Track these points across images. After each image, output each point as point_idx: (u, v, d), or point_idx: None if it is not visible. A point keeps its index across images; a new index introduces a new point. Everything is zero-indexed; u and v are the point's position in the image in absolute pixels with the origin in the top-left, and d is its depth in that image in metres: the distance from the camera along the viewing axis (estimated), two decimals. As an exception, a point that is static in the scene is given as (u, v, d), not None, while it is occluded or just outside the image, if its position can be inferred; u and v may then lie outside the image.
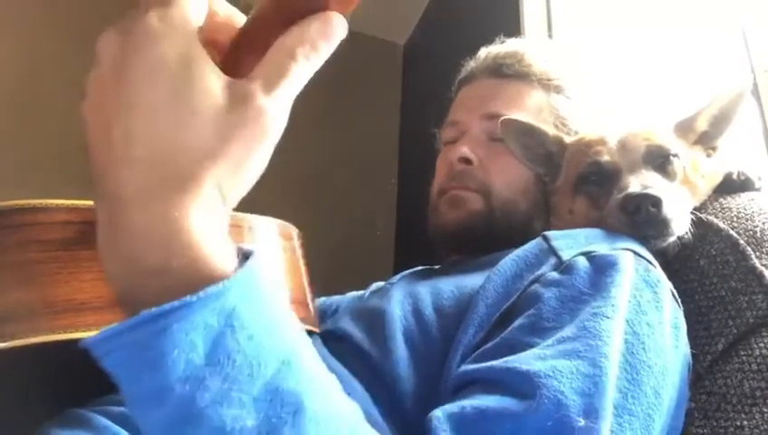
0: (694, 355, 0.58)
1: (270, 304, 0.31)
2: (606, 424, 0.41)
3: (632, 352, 0.47)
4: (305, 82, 0.32)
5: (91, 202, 0.47)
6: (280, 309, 0.32)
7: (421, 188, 0.88)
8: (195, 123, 0.29)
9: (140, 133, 0.28)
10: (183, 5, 0.29)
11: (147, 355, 0.28)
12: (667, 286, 0.56)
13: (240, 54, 0.32)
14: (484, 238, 0.76)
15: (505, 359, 0.46)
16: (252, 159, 0.30)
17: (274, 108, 0.30)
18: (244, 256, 0.31)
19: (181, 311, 0.28)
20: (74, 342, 0.43)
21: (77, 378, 0.56)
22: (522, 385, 0.42)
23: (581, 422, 0.40)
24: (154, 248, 0.28)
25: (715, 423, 0.57)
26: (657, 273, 0.56)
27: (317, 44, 0.31)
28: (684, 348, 0.55)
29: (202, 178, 0.29)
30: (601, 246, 0.57)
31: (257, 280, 0.31)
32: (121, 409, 0.56)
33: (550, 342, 0.47)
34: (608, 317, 0.48)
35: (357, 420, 0.34)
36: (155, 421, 0.29)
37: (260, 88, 0.30)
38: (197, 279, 0.28)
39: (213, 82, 0.29)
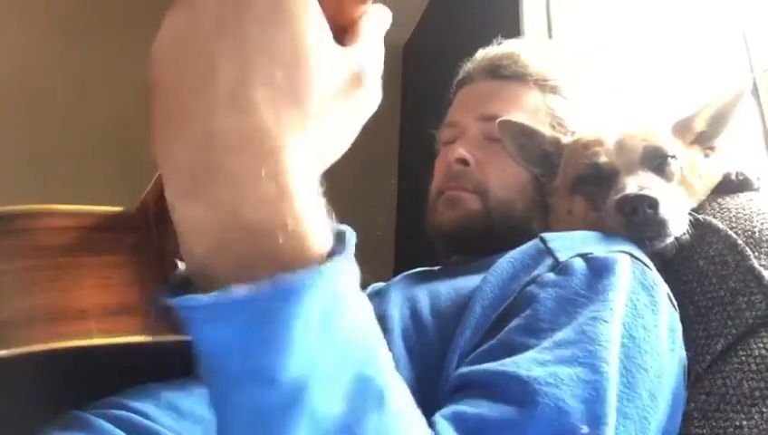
0: (693, 356, 0.58)
1: (357, 289, 0.30)
2: (609, 430, 0.41)
3: (628, 356, 0.47)
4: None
5: (92, 207, 0.47)
6: (362, 295, 0.30)
7: (421, 188, 0.89)
8: (312, 75, 0.27)
9: (257, 77, 0.26)
10: None
11: (273, 328, 0.25)
12: (663, 289, 0.56)
13: None
14: (481, 238, 0.76)
15: (503, 362, 0.46)
16: (350, 126, 0.30)
17: (375, 80, 0.31)
18: (338, 233, 0.30)
19: (313, 285, 0.26)
20: (74, 349, 0.43)
21: (78, 384, 0.56)
22: (522, 392, 0.42)
23: (584, 429, 0.40)
24: (261, 203, 0.25)
25: (714, 423, 0.57)
26: (654, 276, 0.56)
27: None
28: (680, 351, 0.55)
29: (311, 130, 0.27)
30: (598, 248, 0.57)
31: (352, 258, 0.29)
32: (121, 412, 0.56)
33: (547, 344, 0.46)
34: (606, 322, 0.47)
35: (423, 420, 0.33)
36: (258, 402, 0.26)
37: (361, 58, 0.30)
38: (306, 247, 0.26)
39: (330, 38, 0.28)
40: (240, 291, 0.25)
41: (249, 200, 0.26)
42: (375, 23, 0.32)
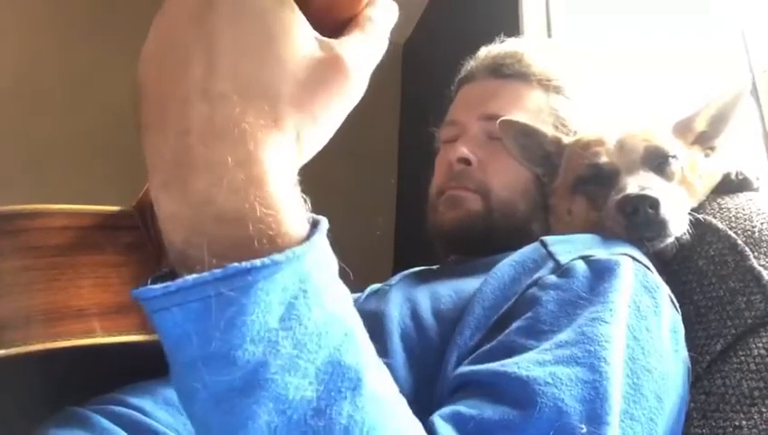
0: (692, 356, 0.58)
1: (334, 273, 0.31)
2: (612, 430, 0.40)
3: (632, 358, 0.47)
4: (380, 56, 0.33)
5: (89, 207, 0.47)
6: (338, 283, 0.31)
7: (421, 188, 0.88)
8: (282, 66, 0.28)
9: (225, 68, 0.27)
10: None
11: (226, 311, 0.26)
12: (665, 291, 0.56)
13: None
14: (482, 238, 0.76)
15: (503, 362, 0.45)
16: (331, 115, 0.30)
17: (360, 68, 0.30)
18: (312, 221, 0.30)
19: (267, 269, 0.26)
20: (73, 348, 0.43)
21: (78, 380, 0.56)
22: (521, 393, 0.42)
23: (584, 429, 0.39)
24: (230, 193, 0.26)
25: (713, 423, 0.57)
26: (656, 278, 0.56)
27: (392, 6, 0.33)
28: (683, 352, 0.55)
29: (284, 121, 0.28)
30: (599, 251, 0.57)
31: (327, 246, 0.30)
32: (119, 408, 0.56)
33: (547, 345, 0.46)
34: (606, 322, 0.47)
35: (406, 405, 0.33)
36: (219, 385, 0.27)
37: (346, 46, 0.30)
38: (275, 234, 0.27)
39: (302, 29, 0.29)
40: (191, 277, 0.26)
41: (219, 188, 0.26)
42: (377, 14, 0.32)
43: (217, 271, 0.26)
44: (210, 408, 0.27)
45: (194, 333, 0.27)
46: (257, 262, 0.26)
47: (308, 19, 0.30)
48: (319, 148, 0.31)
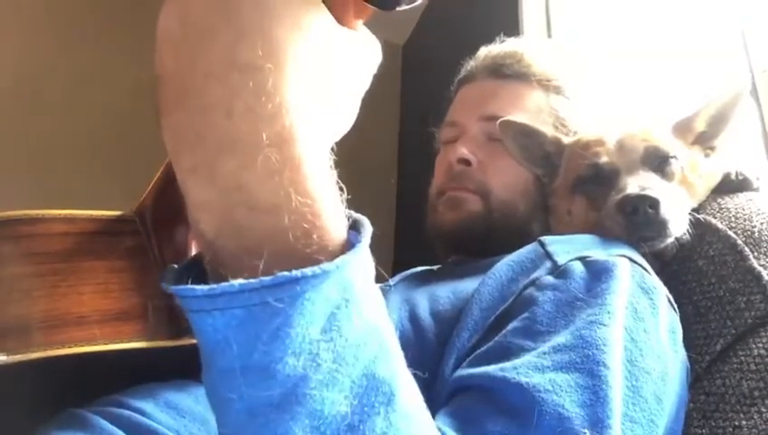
0: (692, 356, 0.58)
1: (372, 279, 0.29)
2: (614, 433, 0.40)
3: (631, 360, 0.47)
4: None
5: (90, 212, 0.47)
6: (377, 291, 0.29)
7: (421, 188, 0.88)
8: (312, 33, 0.26)
9: (254, 37, 0.24)
10: None
11: (272, 322, 0.24)
12: (662, 292, 0.56)
13: None
14: (482, 239, 0.76)
15: (503, 366, 0.45)
16: (362, 87, 0.29)
17: (375, 49, 0.30)
18: (353, 221, 0.28)
19: (317, 278, 0.24)
20: (73, 355, 0.43)
21: (78, 382, 0.56)
22: (520, 400, 0.41)
23: (587, 433, 0.39)
24: (265, 173, 0.24)
25: (713, 423, 0.57)
26: (653, 279, 0.56)
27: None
28: (681, 352, 0.55)
29: (316, 92, 0.26)
30: (597, 252, 0.57)
31: (368, 252, 0.28)
32: (120, 410, 0.56)
33: (545, 348, 0.46)
34: (604, 325, 0.47)
35: (428, 415, 0.32)
36: (255, 398, 0.25)
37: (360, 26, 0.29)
38: (313, 227, 0.25)
39: (325, 10, 0.27)
40: (237, 282, 0.24)
41: (252, 171, 0.24)
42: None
43: (266, 279, 0.24)
44: (244, 420, 0.26)
45: (234, 341, 0.25)
46: (308, 271, 0.24)
47: None
48: (350, 125, 0.29)
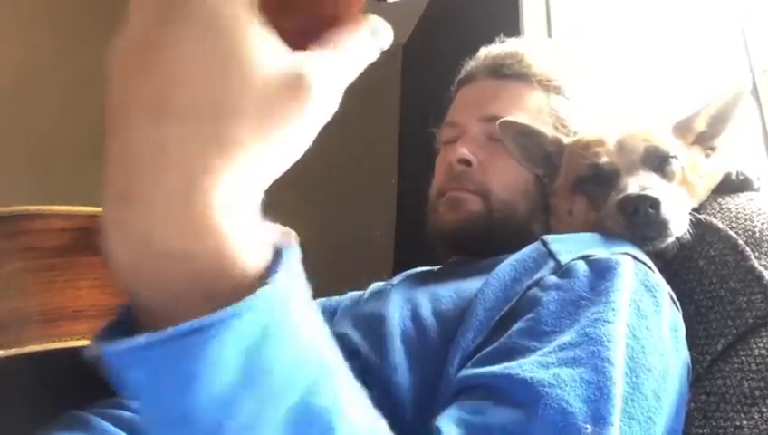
0: (693, 356, 0.58)
1: (304, 308, 0.28)
2: (615, 430, 0.41)
3: (632, 357, 0.47)
4: (355, 76, 0.30)
5: (88, 208, 0.47)
6: (311, 313, 0.29)
7: (421, 189, 0.88)
8: (239, 85, 0.25)
9: (177, 90, 0.24)
10: None
11: (176, 375, 0.24)
12: (665, 290, 0.56)
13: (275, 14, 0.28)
14: (482, 240, 0.76)
15: (506, 365, 0.45)
16: (292, 137, 0.27)
17: (325, 89, 0.28)
18: (276, 249, 0.28)
19: (221, 324, 0.24)
20: (72, 348, 0.43)
21: (77, 383, 0.56)
22: (525, 395, 0.42)
23: (589, 429, 0.40)
24: (171, 225, 0.24)
25: (714, 423, 0.57)
26: (656, 277, 0.57)
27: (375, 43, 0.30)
28: (683, 351, 0.55)
29: (238, 145, 0.25)
30: (600, 250, 0.57)
31: (294, 280, 0.27)
32: (121, 411, 0.56)
33: (550, 347, 0.46)
34: (609, 322, 0.47)
35: (386, 430, 0.32)
36: None
37: (314, 64, 0.27)
38: (226, 273, 0.25)
39: (265, 44, 0.26)
40: (140, 338, 0.24)
41: (160, 222, 0.24)
42: (365, 33, 0.30)
43: (161, 333, 0.23)
44: None
45: (148, 394, 0.25)
46: (206, 320, 0.23)
47: (290, 22, 0.28)
48: (282, 170, 0.28)
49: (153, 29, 0.24)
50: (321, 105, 0.28)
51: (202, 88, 0.24)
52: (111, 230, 0.25)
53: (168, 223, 0.24)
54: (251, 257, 0.26)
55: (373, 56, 0.31)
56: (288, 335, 0.26)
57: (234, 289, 0.25)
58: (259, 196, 0.27)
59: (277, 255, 0.27)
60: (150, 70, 0.24)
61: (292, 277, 0.27)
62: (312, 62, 0.27)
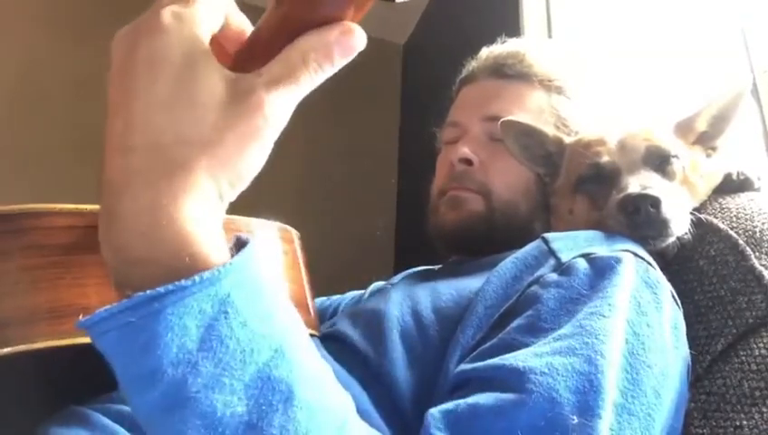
0: (693, 356, 0.58)
1: (265, 291, 0.32)
2: (604, 423, 0.41)
3: (632, 353, 0.47)
4: (312, 87, 0.32)
5: (94, 206, 0.47)
6: (275, 297, 0.32)
7: (421, 188, 0.88)
8: (192, 115, 0.29)
9: (138, 122, 0.29)
10: (198, 7, 0.30)
11: (140, 337, 0.28)
12: (666, 287, 0.56)
13: (245, 62, 0.32)
14: (484, 239, 0.76)
15: (503, 356, 0.46)
16: (249, 153, 0.31)
17: (275, 105, 0.30)
18: (241, 246, 0.32)
19: (174, 295, 0.28)
20: (77, 345, 0.43)
21: (79, 380, 0.56)
22: (515, 382, 0.42)
23: (575, 420, 0.40)
24: (138, 237, 0.29)
25: (714, 423, 0.57)
26: (657, 274, 0.57)
27: (332, 54, 0.31)
28: (683, 349, 0.55)
29: (196, 168, 0.29)
30: (601, 248, 0.57)
31: (253, 267, 0.31)
32: (121, 407, 0.56)
33: (547, 340, 0.47)
34: (604, 316, 0.48)
35: (348, 412, 0.34)
36: (146, 404, 0.29)
37: (264, 84, 0.30)
38: (184, 268, 0.29)
39: (214, 76, 0.30)
40: (103, 309, 0.29)
41: (130, 233, 0.29)
42: (330, 50, 0.31)
43: (124, 301, 0.28)
44: (145, 425, 0.30)
45: (116, 358, 0.29)
46: (161, 289, 0.28)
47: (281, 20, 0.30)
48: (243, 185, 0.31)
49: (120, 71, 0.30)
50: (272, 119, 0.31)
51: (158, 121, 0.29)
52: (102, 239, 0.30)
53: (135, 234, 0.29)
54: (211, 258, 0.30)
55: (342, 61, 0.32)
56: (246, 314, 0.30)
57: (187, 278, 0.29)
58: (223, 207, 0.31)
59: (239, 248, 0.31)
60: (117, 108, 0.30)
61: (251, 264, 0.31)
62: (263, 79, 0.31)
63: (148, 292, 0.28)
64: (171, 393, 0.28)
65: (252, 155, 0.31)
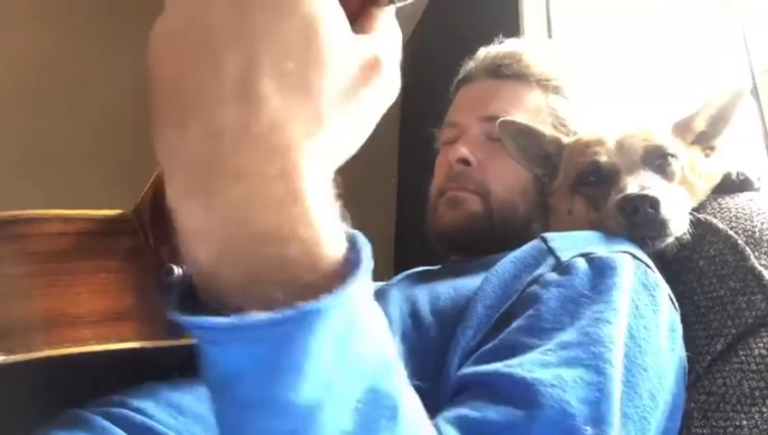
0: (692, 356, 0.58)
1: (372, 296, 0.29)
2: (614, 431, 0.41)
3: (629, 356, 0.47)
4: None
5: (87, 212, 0.46)
6: (374, 301, 0.29)
7: (421, 188, 0.89)
8: (326, 66, 0.25)
9: (266, 68, 0.24)
10: None
11: (293, 353, 0.24)
12: (664, 289, 0.56)
13: None
14: (482, 239, 0.76)
15: (507, 362, 0.45)
16: (371, 117, 0.29)
17: (394, 67, 0.29)
18: (350, 239, 0.28)
19: (331, 309, 0.24)
20: (72, 356, 0.42)
21: (76, 383, 0.56)
22: (526, 395, 0.42)
23: (589, 430, 0.39)
24: (269, 205, 0.24)
25: (714, 423, 0.57)
26: (655, 276, 0.57)
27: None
28: (680, 351, 0.55)
29: (328, 125, 0.25)
30: (600, 248, 0.57)
31: (368, 271, 0.27)
32: (121, 410, 0.56)
33: (551, 346, 0.46)
34: (610, 323, 0.47)
35: (432, 429, 0.33)
36: (261, 429, 0.25)
37: (379, 44, 0.28)
38: (318, 256, 0.25)
39: (344, 26, 0.26)
40: (259, 316, 0.24)
41: (256, 202, 0.24)
42: (385, 15, 0.30)
43: (289, 312, 0.23)
44: None
45: (253, 374, 0.25)
46: (327, 302, 0.24)
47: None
48: (356, 149, 0.29)
49: (230, 14, 0.24)
50: (392, 85, 0.29)
51: (291, 70, 0.24)
52: (192, 202, 0.24)
53: (266, 202, 0.24)
54: (336, 249, 0.26)
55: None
56: (367, 324, 0.27)
57: (322, 278, 0.25)
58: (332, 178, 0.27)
59: (352, 245, 0.27)
60: (229, 40, 0.24)
61: (367, 274, 0.27)
62: (380, 43, 0.28)
63: (308, 304, 0.24)
64: (305, 417, 0.25)
65: (373, 119, 0.29)
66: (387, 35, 0.29)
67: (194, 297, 0.27)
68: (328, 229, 0.25)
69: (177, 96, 0.24)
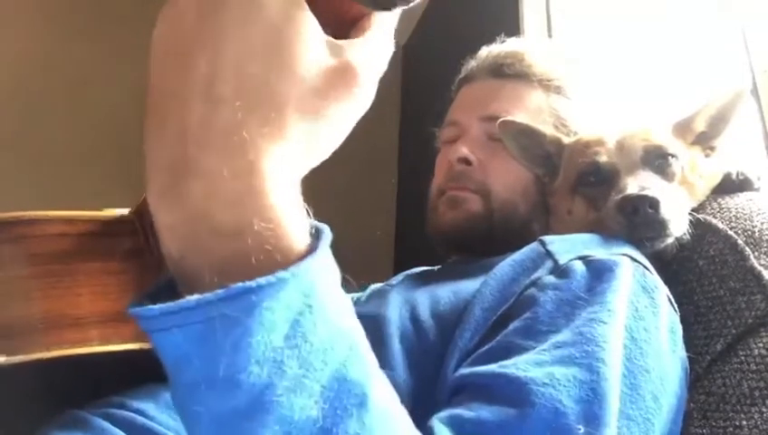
0: (692, 356, 0.58)
1: (338, 284, 0.29)
2: (611, 431, 0.41)
3: (630, 358, 0.47)
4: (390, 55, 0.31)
5: (88, 213, 0.46)
6: (342, 293, 0.30)
7: (421, 188, 0.89)
8: (291, 71, 0.26)
9: (229, 70, 0.25)
10: None
11: (231, 333, 0.25)
12: (663, 291, 0.56)
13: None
14: (482, 239, 0.76)
15: (501, 363, 0.45)
16: (340, 123, 0.29)
17: (369, 75, 0.29)
18: (314, 228, 0.29)
19: (273, 287, 0.25)
20: (72, 357, 0.42)
21: (76, 384, 0.56)
22: (518, 393, 0.42)
23: (581, 429, 0.39)
24: (228, 202, 0.25)
25: (713, 423, 0.57)
26: (654, 278, 0.57)
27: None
28: (681, 352, 0.55)
29: (290, 129, 0.26)
30: (598, 251, 0.57)
31: (330, 257, 0.28)
32: (121, 411, 0.56)
33: (545, 346, 0.46)
34: (604, 323, 0.47)
35: (407, 416, 0.32)
36: (221, 409, 0.26)
37: (356, 51, 0.28)
38: (273, 249, 0.26)
39: (314, 32, 0.27)
40: (193, 297, 0.25)
41: (216, 200, 0.25)
42: (383, 19, 0.31)
43: (220, 291, 0.24)
44: (214, 431, 0.27)
45: (196, 356, 0.25)
46: (262, 280, 0.25)
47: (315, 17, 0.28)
48: (326, 155, 0.29)
49: (200, 20, 0.26)
50: (366, 92, 0.29)
51: (253, 75, 0.26)
52: (163, 204, 0.26)
53: (223, 199, 0.25)
54: (296, 241, 0.27)
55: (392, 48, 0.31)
56: (327, 308, 0.27)
57: (278, 266, 0.26)
58: (299, 181, 0.28)
59: (315, 236, 0.28)
60: (196, 47, 0.26)
61: (328, 258, 0.28)
62: (356, 49, 0.28)
63: (246, 283, 0.24)
64: (256, 397, 0.25)
65: (344, 125, 0.29)
66: (373, 43, 0.30)
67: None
68: (287, 224, 0.26)
69: (159, 100, 0.26)
